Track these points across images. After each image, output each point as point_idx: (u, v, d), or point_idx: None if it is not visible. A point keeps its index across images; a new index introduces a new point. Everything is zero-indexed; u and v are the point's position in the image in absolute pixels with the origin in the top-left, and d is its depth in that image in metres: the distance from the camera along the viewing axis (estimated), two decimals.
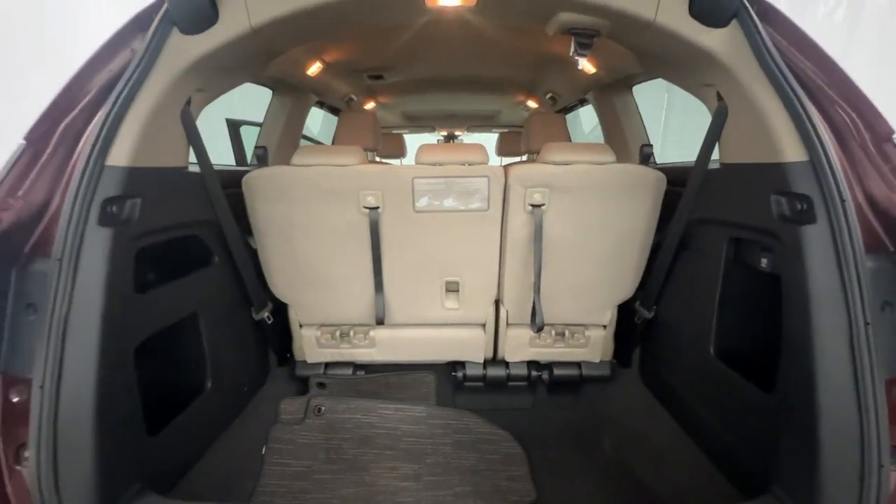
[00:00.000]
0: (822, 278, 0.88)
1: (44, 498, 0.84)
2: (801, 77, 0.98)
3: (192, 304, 1.36)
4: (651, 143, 2.12)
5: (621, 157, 2.17)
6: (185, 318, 1.33)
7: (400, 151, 3.52)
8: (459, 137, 4.71)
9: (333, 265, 1.55)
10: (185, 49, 1.09)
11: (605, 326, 1.66)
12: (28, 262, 0.90)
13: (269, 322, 1.65)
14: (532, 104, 3.21)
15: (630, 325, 1.66)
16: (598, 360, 1.72)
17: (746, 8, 1.03)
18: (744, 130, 1.09)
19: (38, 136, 0.94)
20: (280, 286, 1.60)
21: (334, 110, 3.03)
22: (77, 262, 0.91)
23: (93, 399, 0.91)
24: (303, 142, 2.57)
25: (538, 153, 1.48)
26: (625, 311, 1.65)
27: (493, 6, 1.24)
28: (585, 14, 1.13)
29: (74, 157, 0.96)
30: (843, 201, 0.86)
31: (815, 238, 0.89)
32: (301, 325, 1.69)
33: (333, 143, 3.12)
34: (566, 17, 1.16)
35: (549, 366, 1.75)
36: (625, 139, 2.18)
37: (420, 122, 4.13)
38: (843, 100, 0.93)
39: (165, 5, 1.06)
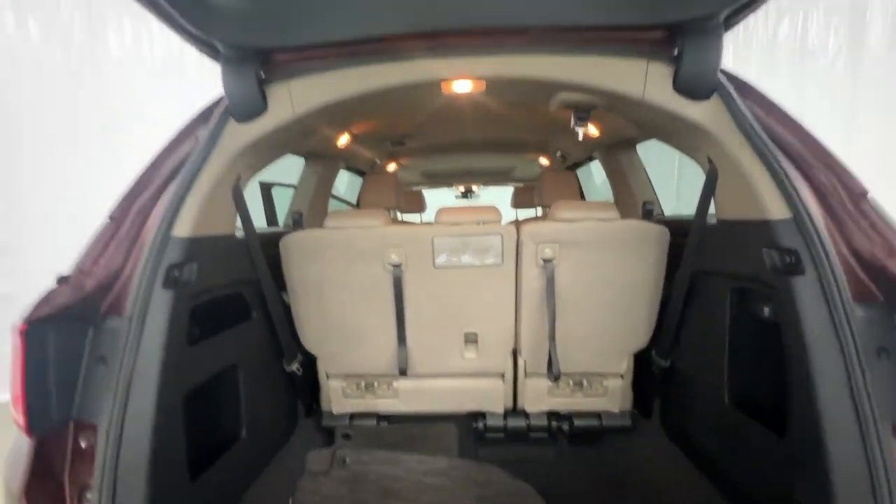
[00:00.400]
0: (816, 326, 0.94)
1: None
2: (780, 143, 1.09)
3: (232, 356, 1.48)
4: (656, 197, 2.24)
5: (629, 211, 2.29)
6: (226, 369, 1.44)
7: (420, 207, 3.73)
8: (476, 192, 4.93)
9: (360, 318, 1.66)
10: (238, 135, 1.28)
11: (622, 376, 1.69)
12: (103, 320, 1.04)
13: (299, 374, 1.74)
14: (544, 161, 3.40)
15: (648, 374, 1.69)
16: (617, 410, 1.74)
17: (725, 84, 1.17)
18: (734, 190, 1.19)
19: (119, 213, 1.12)
20: (310, 338, 1.72)
21: (359, 171, 3.29)
22: (144, 320, 1.05)
23: (149, 445, 1.02)
24: (331, 201, 2.79)
25: (550, 207, 1.61)
26: (642, 360, 1.69)
27: (500, 89, 1.42)
28: (581, 93, 1.29)
29: (145, 229, 1.13)
30: (826, 253, 0.94)
31: (804, 288, 0.96)
32: (328, 377, 1.78)
33: (359, 202, 3.36)
34: (564, 96, 1.33)
35: (569, 416, 1.77)
36: (632, 194, 2.30)
37: (439, 180, 4.37)
38: (819, 162, 1.04)
39: (225, 100, 1.26)
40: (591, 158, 2.83)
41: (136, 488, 0.99)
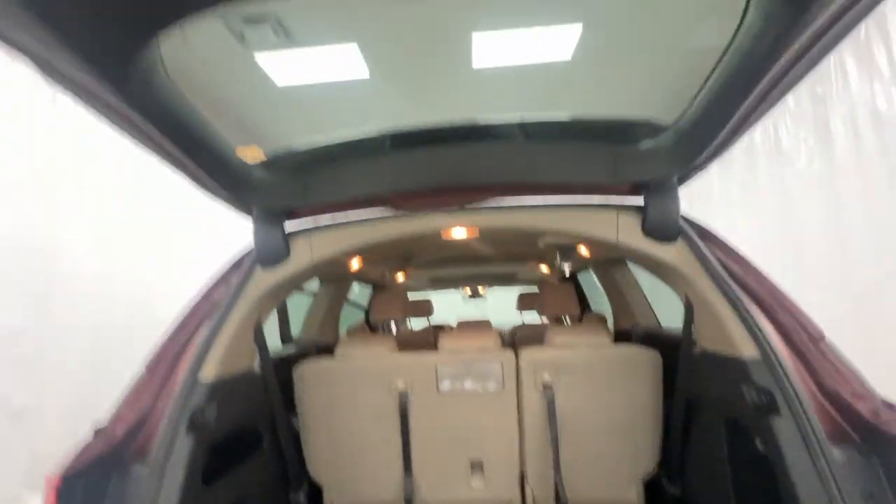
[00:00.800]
0: (800, 466, 0.98)
1: None
2: (742, 284, 1.22)
3: (242, 490, 1.50)
4: (652, 310, 2.34)
5: (627, 324, 2.38)
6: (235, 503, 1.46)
7: (427, 313, 3.85)
8: (483, 294, 5.08)
9: (367, 445, 1.69)
10: (263, 279, 1.46)
11: (633, 503, 1.65)
12: (127, 467, 1.12)
13: None
14: (545, 268, 3.58)
15: (662, 501, 1.65)
16: None
17: (686, 229, 1.34)
18: (709, 325, 1.30)
19: (152, 360, 1.25)
20: (317, 465, 1.73)
21: (369, 281, 3.49)
22: (166, 464, 1.12)
23: None
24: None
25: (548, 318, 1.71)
26: (654, 488, 1.66)
27: (492, 235, 1.62)
28: (564, 238, 1.47)
29: (174, 374, 1.25)
30: (797, 394, 1.01)
31: (782, 429, 1.02)
32: None
33: (368, 314, 3.50)
34: (549, 238, 1.51)
35: None
36: (628, 308, 2.41)
37: (446, 284, 4.56)
38: (778, 304, 1.15)
39: (254, 250, 1.46)
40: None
41: None
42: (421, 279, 4.03)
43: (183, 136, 1.06)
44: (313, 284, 2.69)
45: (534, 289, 4.15)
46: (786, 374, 1.04)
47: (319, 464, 1.73)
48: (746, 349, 1.14)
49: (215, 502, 1.35)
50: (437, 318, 4.19)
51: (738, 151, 5.86)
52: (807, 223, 4.80)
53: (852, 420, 0.98)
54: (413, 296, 3.69)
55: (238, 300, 1.41)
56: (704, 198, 6.76)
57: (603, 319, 2.72)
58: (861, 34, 4.09)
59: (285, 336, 2.74)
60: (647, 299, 2.40)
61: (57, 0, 0.66)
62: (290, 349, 2.34)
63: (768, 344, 1.09)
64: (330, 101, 1.35)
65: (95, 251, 2.80)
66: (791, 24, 0.77)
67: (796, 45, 0.81)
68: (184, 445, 1.17)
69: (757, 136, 5.57)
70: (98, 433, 1.11)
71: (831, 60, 4.47)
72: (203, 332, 1.32)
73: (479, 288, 5.00)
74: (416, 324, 4.66)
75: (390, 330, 3.75)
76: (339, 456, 1.72)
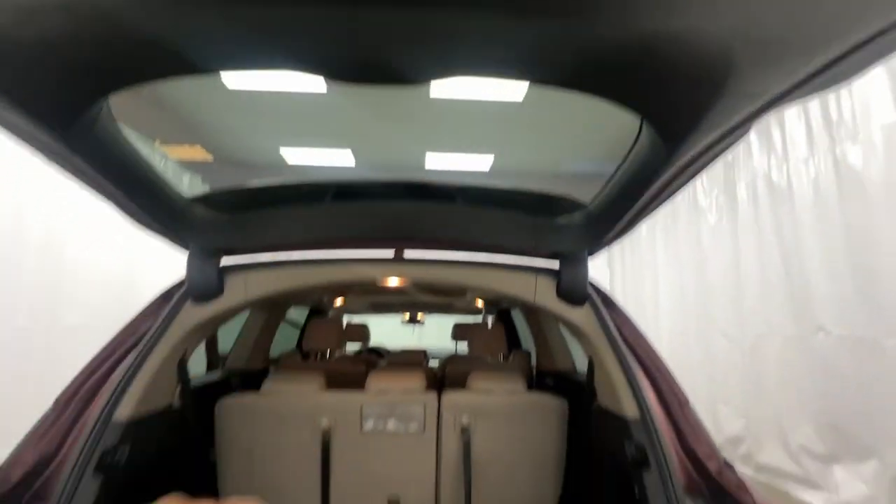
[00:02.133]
0: None
1: None
2: (632, 348, 1.41)
3: None
4: (570, 355, 2.56)
5: (547, 365, 2.58)
6: None
7: (363, 339, 3.87)
8: (421, 321, 5.17)
9: (286, 481, 1.71)
10: (193, 313, 1.46)
11: None
12: None
13: None
14: (479, 302, 3.75)
15: None
16: None
17: (594, 295, 1.53)
18: (605, 384, 1.49)
19: (66, 396, 1.22)
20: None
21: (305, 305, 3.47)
22: None
23: None
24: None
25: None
26: None
27: (423, 286, 1.73)
28: (488, 294, 1.62)
29: (87, 413, 1.23)
30: (664, 452, 1.19)
31: (651, 481, 1.20)
32: None
33: (301, 342, 3.46)
34: (474, 293, 1.65)
35: None
36: (549, 350, 2.61)
37: (385, 309, 4.60)
38: (657, 370, 1.35)
39: (186, 285, 1.47)
40: None
41: None
42: (359, 304, 4.06)
43: (123, 177, 1.08)
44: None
45: (470, 318, 4.30)
46: (657, 434, 1.22)
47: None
48: (630, 409, 1.32)
49: None
50: (375, 338, 4.21)
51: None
52: (714, 272, 5.41)
53: (703, 476, 1.18)
54: (350, 317, 3.71)
55: (164, 334, 1.40)
56: (634, 243, 7.37)
57: (528, 358, 2.90)
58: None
59: (212, 362, 2.66)
60: (565, 343, 2.61)
61: (8, 61, 0.69)
62: (216, 375, 2.29)
63: (647, 406, 1.27)
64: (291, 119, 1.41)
65: None
66: (670, 151, 0.96)
67: (678, 163, 1.00)
68: (90, 487, 1.15)
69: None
70: None
71: None
72: (122, 368, 1.30)
73: (418, 315, 5.09)
74: (352, 346, 4.65)
75: (324, 355, 3.73)
76: (257, 492, 1.71)
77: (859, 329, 3.63)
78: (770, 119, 4.58)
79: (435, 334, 5.09)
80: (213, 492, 1.72)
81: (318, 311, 3.66)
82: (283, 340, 3.69)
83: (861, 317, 3.60)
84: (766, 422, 4.46)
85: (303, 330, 3.60)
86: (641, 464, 1.23)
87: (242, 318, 2.65)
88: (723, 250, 5.21)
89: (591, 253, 1.54)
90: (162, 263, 6.14)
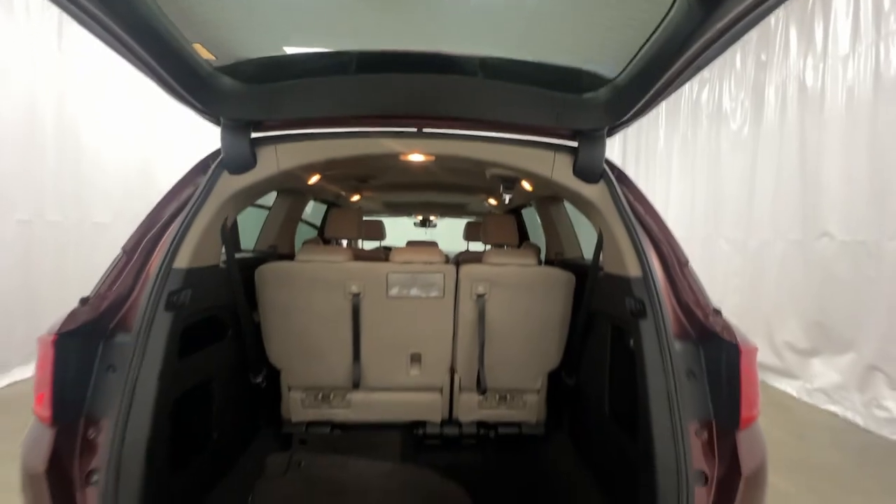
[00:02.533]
0: (651, 355, 1.34)
1: None
2: (640, 219, 1.52)
3: (209, 369, 1.72)
4: (577, 242, 2.69)
5: (556, 253, 2.73)
6: (204, 380, 1.68)
7: (380, 236, 4.05)
8: (433, 222, 5.31)
9: (321, 338, 1.95)
10: (229, 184, 1.57)
11: (538, 391, 2.07)
12: (112, 335, 1.28)
13: (263, 386, 1.99)
14: (492, 201, 3.84)
15: (559, 392, 2.08)
16: (534, 421, 2.11)
17: (608, 173, 1.59)
18: (611, 251, 1.61)
19: (130, 247, 1.38)
20: (276, 354, 1.98)
21: (325, 200, 3.58)
22: (148, 336, 1.30)
23: (145, 440, 1.25)
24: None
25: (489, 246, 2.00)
26: (555, 380, 2.08)
27: (446, 162, 1.80)
28: (506, 170, 1.69)
29: (151, 261, 1.39)
30: (660, 304, 1.34)
31: (646, 328, 1.37)
32: (290, 388, 2.04)
33: (323, 231, 3.63)
34: (495, 170, 1.72)
35: (495, 426, 2.12)
36: (558, 239, 2.74)
37: (399, 210, 4.72)
38: (662, 236, 1.47)
39: (221, 155, 1.55)
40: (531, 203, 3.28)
41: (133, 474, 1.22)
42: (375, 202, 4.17)
43: (159, 50, 1.13)
44: (268, 199, 2.77)
45: (481, 220, 4.42)
46: (656, 289, 1.36)
47: (278, 352, 1.98)
48: (633, 269, 1.46)
49: (188, 374, 1.56)
50: (387, 243, 4.40)
51: (686, 108, 6.25)
52: (729, 180, 5.38)
53: (692, 322, 1.34)
54: (366, 218, 3.85)
55: (207, 200, 1.52)
56: (651, 148, 7.20)
57: (537, 249, 3.06)
58: (808, 5, 4.36)
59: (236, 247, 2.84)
60: (576, 235, 2.73)
61: None
62: (248, 254, 2.48)
63: (649, 266, 1.40)
64: (300, 12, 1.40)
65: None
66: (705, 16, 0.96)
67: (713, 30, 1.00)
68: (162, 321, 1.34)
69: (704, 94, 5.94)
70: (83, 302, 1.25)
71: (779, 29, 4.77)
72: (174, 227, 1.44)
73: (430, 217, 5.22)
74: (368, 246, 4.86)
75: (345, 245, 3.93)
76: (297, 347, 1.97)
77: (862, 233, 3.71)
78: (816, 10, 4.21)
79: (446, 240, 5.27)
80: (260, 347, 1.97)
81: (337, 206, 3.79)
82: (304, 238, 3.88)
83: (867, 222, 3.66)
84: (757, 321, 4.75)
85: (323, 220, 3.76)
86: (639, 315, 1.40)
87: (260, 214, 2.79)
88: (741, 157, 5.12)
89: (610, 131, 1.57)
90: (175, 157, 6.41)
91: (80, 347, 1.21)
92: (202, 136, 6.96)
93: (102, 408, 1.22)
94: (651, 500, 1.23)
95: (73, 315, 1.21)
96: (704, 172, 5.88)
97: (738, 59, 5.33)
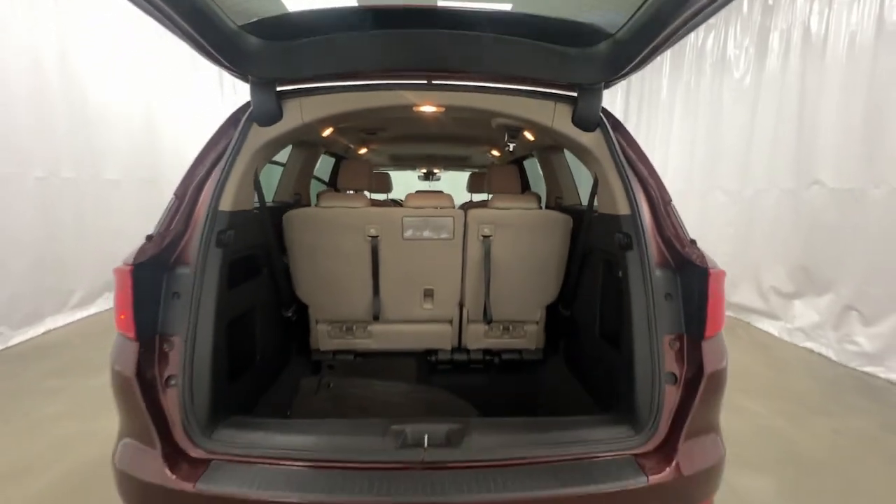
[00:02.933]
0: (636, 282, 1.56)
1: (185, 409, 1.41)
2: (632, 163, 1.69)
3: (251, 300, 1.96)
4: (576, 189, 2.86)
5: (556, 199, 2.91)
6: (248, 309, 1.93)
7: (387, 188, 4.21)
8: (437, 175, 5.43)
9: (344, 276, 2.17)
10: (260, 136, 1.73)
11: (537, 322, 2.33)
12: (174, 267, 1.50)
13: (294, 319, 2.25)
14: (495, 152, 3.97)
15: (556, 321, 2.34)
16: (533, 348, 2.38)
17: (604, 121, 1.75)
18: (605, 193, 1.80)
19: (180, 192, 1.56)
20: (304, 291, 2.21)
21: (333, 154, 3.72)
22: (204, 268, 1.51)
23: (210, 352, 1.50)
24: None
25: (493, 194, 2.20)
26: (552, 311, 2.33)
27: (454, 113, 1.94)
28: (510, 119, 1.84)
29: (199, 204, 1.58)
30: (645, 238, 1.55)
31: (632, 259, 1.58)
32: (317, 322, 2.29)
33: (334, 181, 3.78)
34: (500, 119, 1.87)
35: (499, 353, 2.39)
36: (557, 186, 2.91)
37: (405, 162, 4.85)
38: (651, 178, 1.65)
39: (250, 109, 1.71)
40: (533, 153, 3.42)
41: (203, 379, 1.47)
42: (381, 155, 4.29)
43: (186, 8, 1.26)
44: (282, 155, 2.92)
45: (484, 173, 4.56)
46: (642, 224, 1.56)
47: (306, 290, 2.22)
48: (623, 208, 1.65)
49: (236, 302, 1.80)
50: (394, 195, 4.56)
51: (691, 56, 6.18)
52: (728, 130, 5.44)
53: (671, 252, 1.54)
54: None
55: (240, 151, 1.69)
56: (654, 96, 7.15)
57: (537, 196, 3.23)
58: None
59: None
60: (575, 183, 2.90)
61: None
62: (271, 203, 2.67)
63: (637, 205, 1.59)
64: None
65: None
66: None
67: None
68: (215, 256, 1.55)
69: (710, 42, 5.87)
70: (148, 238, 1.46)
71: None
72: (216, 174, 1.62)
73: (435, 170, 5.34)
74: (375, 198, 5.02)
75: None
76: (322, 284, 2.20)
77: (851, 181, 3.86)
78: None
79: (449, 191, 5.42)
80: (289, 284, 2.20)
81: (346, 160, 3.92)
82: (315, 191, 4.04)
83: (857, 169, 3.80)
84: (746, 268, 4.99)
85: (332, 173, 3.91)
86: (626, 247, 1.60)
87: (271, 168, 2.94)
88: (742, 108, 5.16)
89: (607, 84, 1.71)
90: (179, 111, 6.45)
91: (150, 276, 1.43)
92: (202, 91, 6.93)
93: (172, 327, 1.45)
94: (630, 397, 1.49)
95: (142, 250, 1.42)
96: (705, 123, 5.92)
97: (745, 3, 5.24)
